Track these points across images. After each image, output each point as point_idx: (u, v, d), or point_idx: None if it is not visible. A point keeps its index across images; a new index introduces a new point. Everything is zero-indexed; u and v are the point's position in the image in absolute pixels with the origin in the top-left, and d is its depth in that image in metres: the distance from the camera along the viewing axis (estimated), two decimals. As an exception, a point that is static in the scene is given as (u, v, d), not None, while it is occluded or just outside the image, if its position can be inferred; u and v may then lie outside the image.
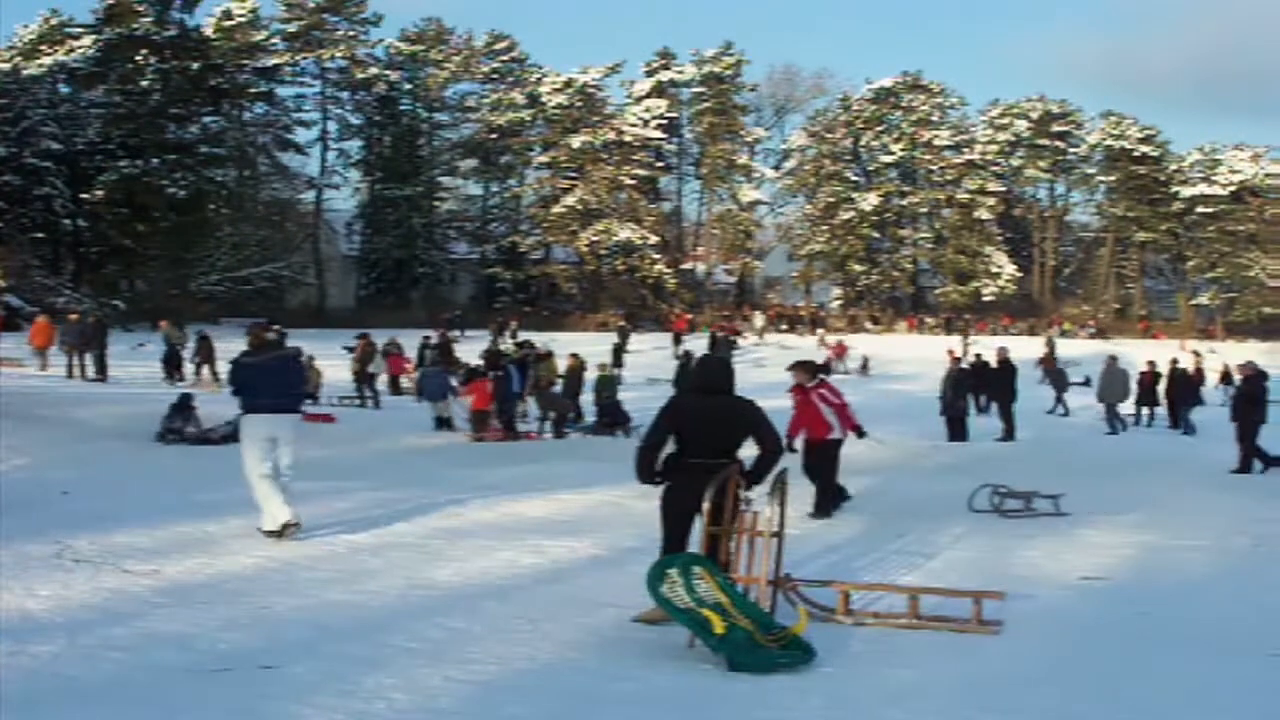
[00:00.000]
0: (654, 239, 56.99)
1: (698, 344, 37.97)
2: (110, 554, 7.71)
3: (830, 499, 10.56)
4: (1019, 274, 61.08)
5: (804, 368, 10.99)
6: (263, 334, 9.01)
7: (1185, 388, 23.99)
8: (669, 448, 6.53)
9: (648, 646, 5.90)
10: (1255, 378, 15.43)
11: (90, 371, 23.89)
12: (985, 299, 59.57)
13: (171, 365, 24.93)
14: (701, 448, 6.35)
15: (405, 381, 25.95)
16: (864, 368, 38.50)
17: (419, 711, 4.85)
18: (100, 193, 44.90)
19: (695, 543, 6.38)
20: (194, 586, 7.03)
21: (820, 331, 52.29)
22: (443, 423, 18.88)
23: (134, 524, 8.79)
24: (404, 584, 7.28)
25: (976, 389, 21.49)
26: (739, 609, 5.77)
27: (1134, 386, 23.66)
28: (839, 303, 61.04)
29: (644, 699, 5.14)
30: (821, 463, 10.55)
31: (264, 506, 8.54)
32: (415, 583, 7.33)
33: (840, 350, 40.59)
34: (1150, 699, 5.33)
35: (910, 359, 39.40)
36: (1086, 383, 23.35)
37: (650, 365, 34.38)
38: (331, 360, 24.37)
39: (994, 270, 59.91)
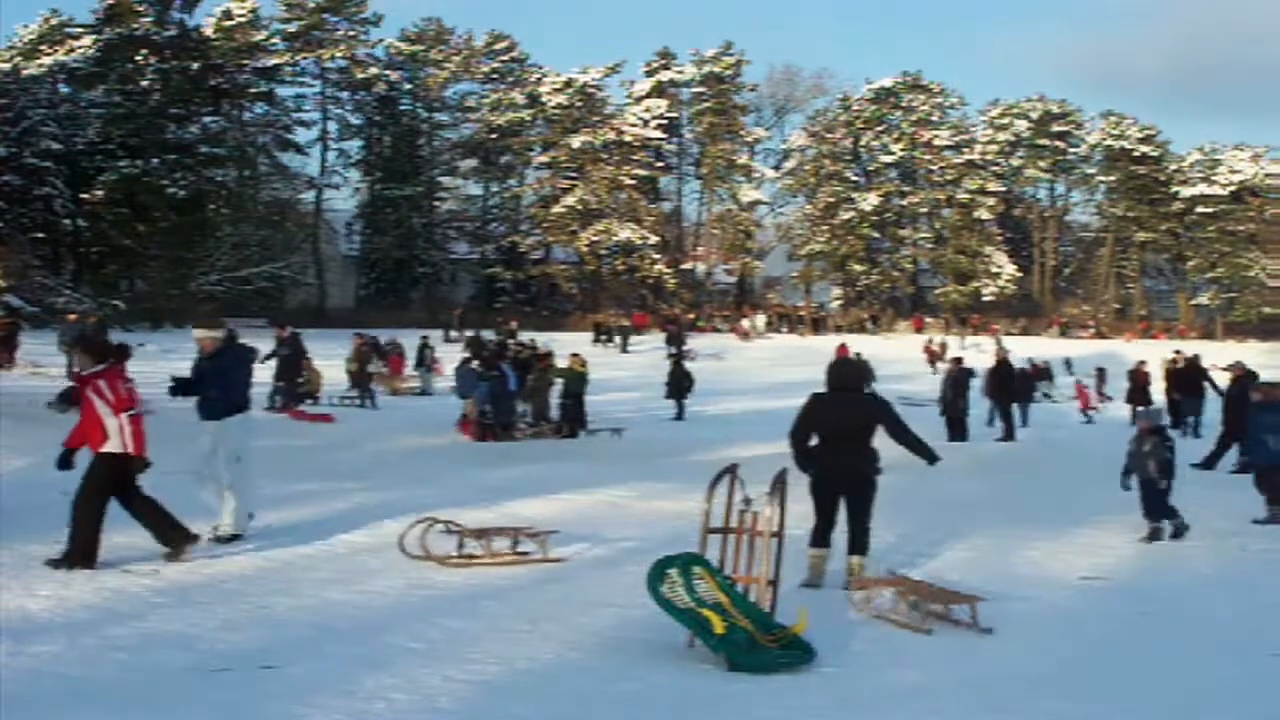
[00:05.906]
0: (654, 239, 56.90)
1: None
2: (110, 554, 7.71)
3: (176, 531, 7.72)
4: (1019, 274, 61.02)
5: (88, 350, 7.83)
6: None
7: (1186, 388, 23.70)
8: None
9: (648, 646, 5.90)
10: (1245, 378, 15.44)
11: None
12: (985, 299, 59.52)
13: None
14: (837, 439, 7.52)
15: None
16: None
17: (419, 711, 4.85)
18: (100, 193, 44.83)
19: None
20: (194, 586, 7.03)
21: (745, 321, 51.70)
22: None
23: (134, 524, 8.77)
24: (404, 584, 7.28)
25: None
26: (739, 609, 5.78)
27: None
28: (839, 303, 61.00)
29: (644, 699, 5.14)
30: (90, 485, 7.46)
31: (223, 508, 8.43)
32: (415, 583, 7.33)
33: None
34: (1150, 699, 5.33)
35: (909, 359, 39.40)
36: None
37: (651, 365, 34.30)
38: (331, 360, 24.36)
39: (994, 270, 59.83)
